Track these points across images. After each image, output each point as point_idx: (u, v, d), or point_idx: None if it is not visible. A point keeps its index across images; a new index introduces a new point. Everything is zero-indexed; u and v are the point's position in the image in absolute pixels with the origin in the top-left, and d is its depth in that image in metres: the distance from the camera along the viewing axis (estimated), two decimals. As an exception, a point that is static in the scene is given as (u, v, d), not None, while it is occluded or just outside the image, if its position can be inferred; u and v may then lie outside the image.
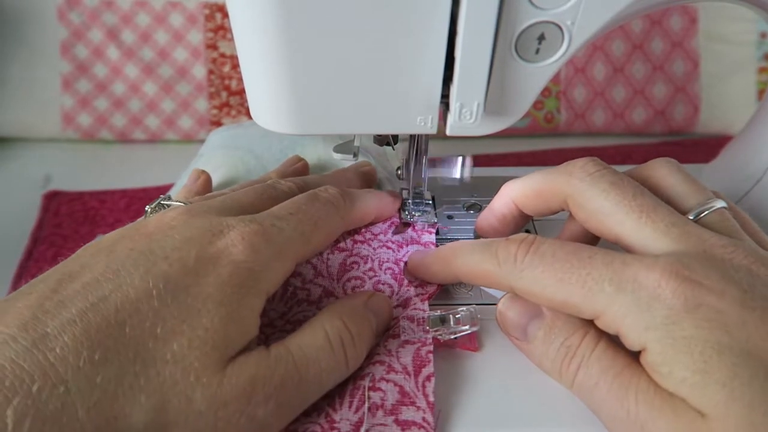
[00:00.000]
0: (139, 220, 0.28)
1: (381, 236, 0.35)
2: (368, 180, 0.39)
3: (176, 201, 0.31)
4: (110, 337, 0.21)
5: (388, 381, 0.27)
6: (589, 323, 0.25)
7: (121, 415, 0.20)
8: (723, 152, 0.41)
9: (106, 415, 0.20)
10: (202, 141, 0.60)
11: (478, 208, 0.39)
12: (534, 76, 0.28)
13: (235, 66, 0.59)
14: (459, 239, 0.36)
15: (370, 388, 0.26)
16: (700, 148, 0.59)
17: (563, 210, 0.30)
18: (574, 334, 0.25)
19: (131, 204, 0.51)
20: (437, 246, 0.34)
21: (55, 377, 0.19)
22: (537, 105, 0.60)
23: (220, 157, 0.42)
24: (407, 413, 0.25)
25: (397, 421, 0.25)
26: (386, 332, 0.29)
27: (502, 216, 0.32)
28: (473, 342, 0.29)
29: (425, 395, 0.26)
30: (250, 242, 0.25)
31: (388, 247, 0.34)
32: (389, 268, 0.33)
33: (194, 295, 0.23)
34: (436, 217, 0.37)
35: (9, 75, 0.58)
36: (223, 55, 0.59)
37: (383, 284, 0.32)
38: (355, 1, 0.24)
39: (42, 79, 0.58)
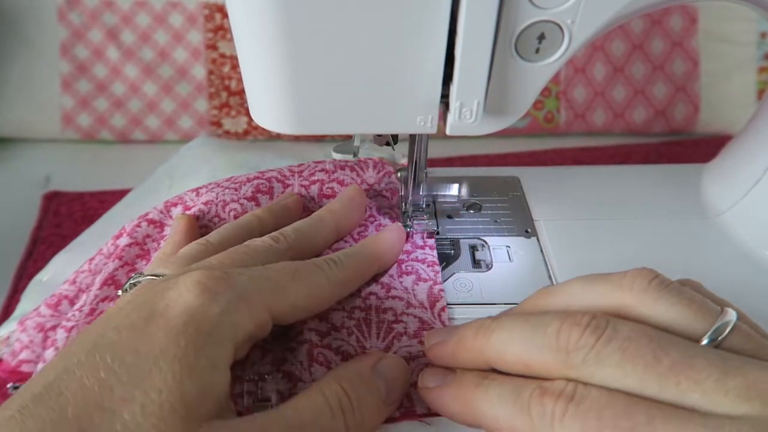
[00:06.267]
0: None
1: (375, 186, 0.38)
2: (361, 205, 0.36)
3: (149, 276, 0.27)
4: (49, 422, 0.19)
5: (408, 315, 0.31)
6: None
7: None
8: (723, 152, 0.41)
9: None
10: (202, 141, 0.60)
11: (478, 207, 0.39)
12: (534, 76, 0.27)
13: (235, 66, 0.59)
14: (459, 239, 0.36)
15: (392, 322, 0.30)
16: (700, 147, 0.59)
17: None
18: None
19: (131, 204, 0.51)
20: (437, 255, 0.34)
21: None
22: (537, 105, 0.60)
23: (210, 151, 0.41)
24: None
25: (420, 342, 0.29)
26: (399, 402, 0.27)
27: (466, 365, 0.26)
28: None
29: (441, 321, 0.31)
30: (206, 286, 0.23)
31: (384, 196, 0.38)
32: (386, 213, 0.37)
33: (144, 355, 0.21)
34: (437, 223, 0.37)
35: (9, 75, 0.58)
36: (222, 56, 0.59)
37: (383, 227, 0.35)
38: (355, 1, 0.24)
39: (42, 80, 0.58)
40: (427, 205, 0.37)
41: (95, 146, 0.60)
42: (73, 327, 0.31)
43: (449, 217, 0.38)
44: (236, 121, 0.60)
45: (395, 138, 0.35)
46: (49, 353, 0.31)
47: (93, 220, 0.50)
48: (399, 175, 0.39)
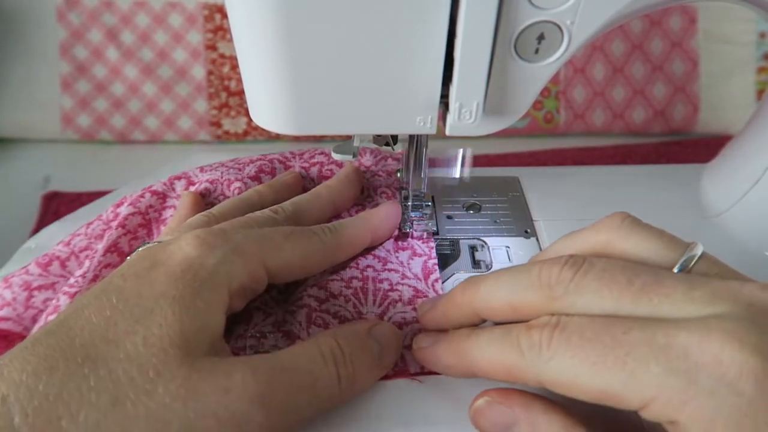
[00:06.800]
0: None
1: (372, 167, 0.40)
2: (358, 183, 0.38)
3: (155, 241, 0.29)
4: (59, 350, 0.21)
5: (403, 284, 0.32)
6: (574, 428, 0.22)
7: (67, 415, 0.20)
8: (722, 152, 0.41)
9: (48, 417, 0.20)
10: (201, 142, 0.60)
11: (477, 208, 0.39)
12: (533, 76, 0.27)
13: (235, 67, 0.59)
14: (459, 239, 0.37)
15: (388, 290, 0.31)
16: (699, 148, 0.59)
17: None
18: None
19: (131, 205, 0.51)
20: (436, 256, 0.34)
21: None
22: (536, 105, 0.60)
23: (212, 155, 0.42)
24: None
25: (414, 309, 0.31)
26: (395, 364, 0.29)
27: (457, 322, 0.27)
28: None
29: (435, 291, 0.32)
30: (204, 240, 0.25)
31: (380, 176, 0.39)
32: (383, 192, 0.38)
33: (146, 297, 0.23)
34: (436, 223, 0.37)
35: (8, 75, 0.58)
36: (222, 56, 0.59)
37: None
38: (354, 2, 0.24)
39: (41, 80, 0.58)
40: (427, 205, 0.37)
41: (95, 147, 0.60)
42: (76, 293, 0.32)
43: (449, 217, 0.38)
44: (236, 122, 0.60)
45: (395, 138, 0.35)
46: (52, 318, 0.31)
47: (92, 221, 0.50)
48: (399, 175, 0.39)
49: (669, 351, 0.19)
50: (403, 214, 0.37)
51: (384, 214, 0.34)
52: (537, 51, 0.26)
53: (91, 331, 0.22)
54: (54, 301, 0.32)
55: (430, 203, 0.37)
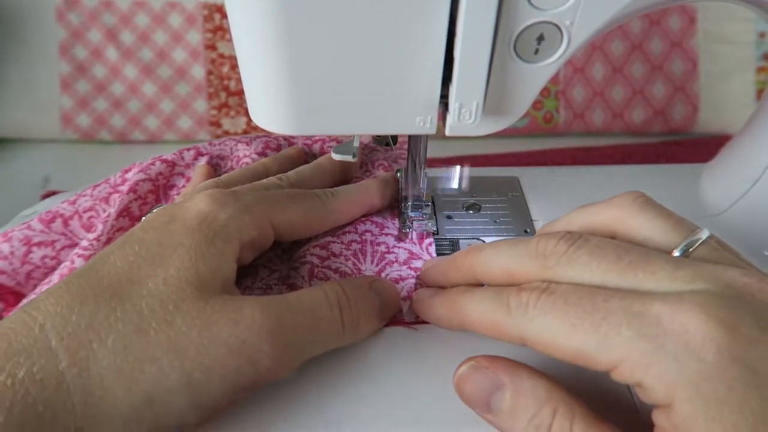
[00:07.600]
0: None
1: (370, 144, 0.41)
2: (346, 171, 0.39)
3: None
4: (89, 288, 0.24)
5: (399, 247, 0.34)
6: (557, 392, 0.23)
7: (97, 340, 0.22)
8: (722, 152, 0.41)
9: (81, 341, 0.22)
10: (201, 141, 0.60)
11: (477, 208, 0.39)
12: (533, 77, 0.28)
13: (234, 66, 0.59)
14: (459, 239, 0.37)
15: (385, 252, 0.34)
16: (699, 147, 0.59)
17: None
18: (542, 409, 0.23)
19: (130, 205, 0.51)
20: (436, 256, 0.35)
21: (32, 323, 0.22)
22: (536, 105, 0.60)
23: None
24: (416, 264, 0.33)
25: (410, 267, 0.33)
26: (393, 317, 0.31)
27: (455, 281, 0.29)
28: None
29: (429, 254, 0.34)
30: (216, 198, 0.28)
31: (378, 150, 0.41)
32: (381, 164, 0.40)
33: (165, 245, 0.26)
34: (436, 223, 0.37)
35: (8, 76, 0.58)
36: (221, 56, 0.59)
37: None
38: (354, 2, 0.24)
39: (41, 80, 0.58)
40: (427, 205, 0.37)
41: (94, 147, 0.60)
42: (90, 255, 0.32)
43: (448, 217, 0.38)
44: (235, 122, 0.60)
45: (395, 138, 0.35)
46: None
47: (92, 221, 0.50)
48: (399, 174, 0.39)
49: (642, 318, 0.21)
50: (402, 213, 0.37)
51: (381, 182, 0.36)
52: (537, 51, 0.26)
53: (116, 273, 0.25)
54: (68, 263, 0.33)
55: (429, 203, 0.37)
